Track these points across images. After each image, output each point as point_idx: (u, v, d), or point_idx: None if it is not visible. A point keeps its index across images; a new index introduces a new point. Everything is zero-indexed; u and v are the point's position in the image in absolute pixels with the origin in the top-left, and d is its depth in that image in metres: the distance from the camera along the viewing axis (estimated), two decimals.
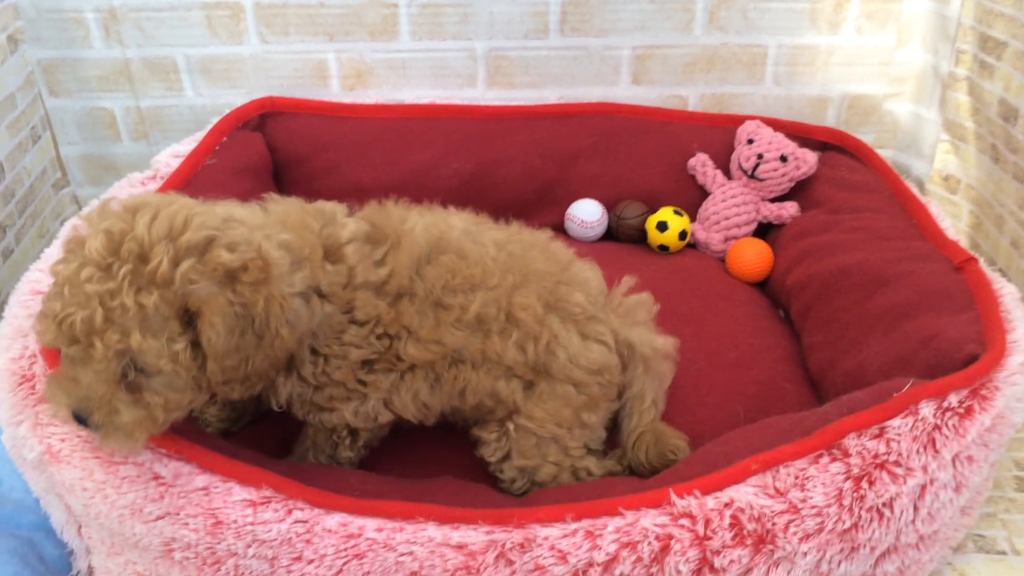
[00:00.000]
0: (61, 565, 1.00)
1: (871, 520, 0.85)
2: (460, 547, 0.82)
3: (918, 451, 0.87)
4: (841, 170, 1.51)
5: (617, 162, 1.59)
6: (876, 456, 0.86)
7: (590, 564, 0.81)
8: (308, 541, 0.83)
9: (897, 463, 0.86)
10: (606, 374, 1.04)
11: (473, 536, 0.83)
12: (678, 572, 0.82)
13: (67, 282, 0.73)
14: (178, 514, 0.84)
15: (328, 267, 0.89)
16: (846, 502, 0.85)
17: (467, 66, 1.64)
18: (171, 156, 1.36)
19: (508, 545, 0.82)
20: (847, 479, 0.85)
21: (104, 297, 0.72)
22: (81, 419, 0.78)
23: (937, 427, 0.88)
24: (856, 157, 1.53)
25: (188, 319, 0.76)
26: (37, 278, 1.06)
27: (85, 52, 1.58)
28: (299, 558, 0.84)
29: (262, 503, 0.84)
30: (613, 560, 0.81)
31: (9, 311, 1.03)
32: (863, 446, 0.87)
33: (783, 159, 1.50)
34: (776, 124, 1.58)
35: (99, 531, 0.93)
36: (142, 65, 1.61)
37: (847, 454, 0.87)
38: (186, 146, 1.39)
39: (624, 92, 1.67)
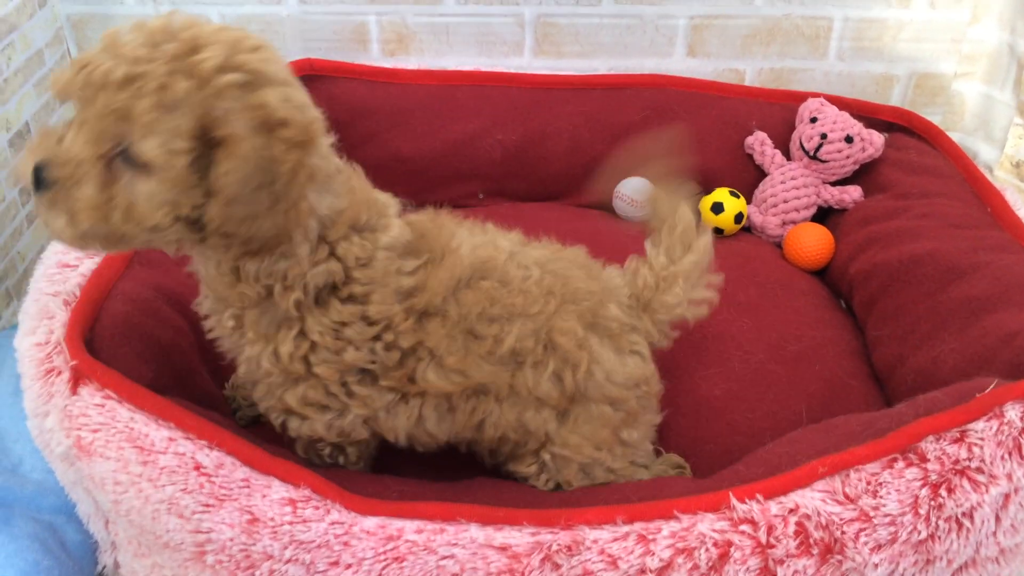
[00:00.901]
0: (84, 553, 0.95)
1: (949, 531, 0.79)
2: (503, 549, 0.77)
3: (1002, 457, 0.80)
4: (909, 153, 1.42)
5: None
6: (956, 462, 0.79)
7: (642, 571, 0.75)
8: (346, 544, 0.78)
9: (980, 470, 0.79)
10: (643, 386, 0.96)
11: (517, 537, 0.77)
12: None
13: (108, 40, 0.68)
14: (218, 508, 0.79)
15: (355, 238, 0.81)
16: (922, 511, 0.78)
17: (514, 33, 1.56)
18: None
19: (555, 547, 0.76)
20: (924, 486, 0.78)
21: (137, 61, 0.66)
22: (39, 180, 0.69)
23: None
24: (925, 140, 1.44)
25: (206, 141, 0.68)
26: (65, 248, 1.00)
27: (116, 8, 1.52)
28: (336, 563, 0.77)
29: (302, 501, 0.79)
30: (667, 567, 0.75)
31: (34, 285, 0.97)
32: (942, 450, 0.80)
33: (848, 140, 1.41)
34: (839, 102, 1.49)
35: (128, 529, 0.87)
36: None
37: (924, 459, 0.80)
38: None
39: (678, 64, 1.59)
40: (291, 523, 0.78)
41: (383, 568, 0.77)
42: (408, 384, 0.85)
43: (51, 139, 0.70)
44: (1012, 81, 1.53)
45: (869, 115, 1.49)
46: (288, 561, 0.78)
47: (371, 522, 0.78)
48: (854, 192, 1.42)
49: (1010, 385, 0.84)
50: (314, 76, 1.46)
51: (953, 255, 1.14)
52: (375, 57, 1.58)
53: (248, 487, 0.79)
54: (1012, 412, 0.81)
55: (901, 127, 1.49)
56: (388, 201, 0.89)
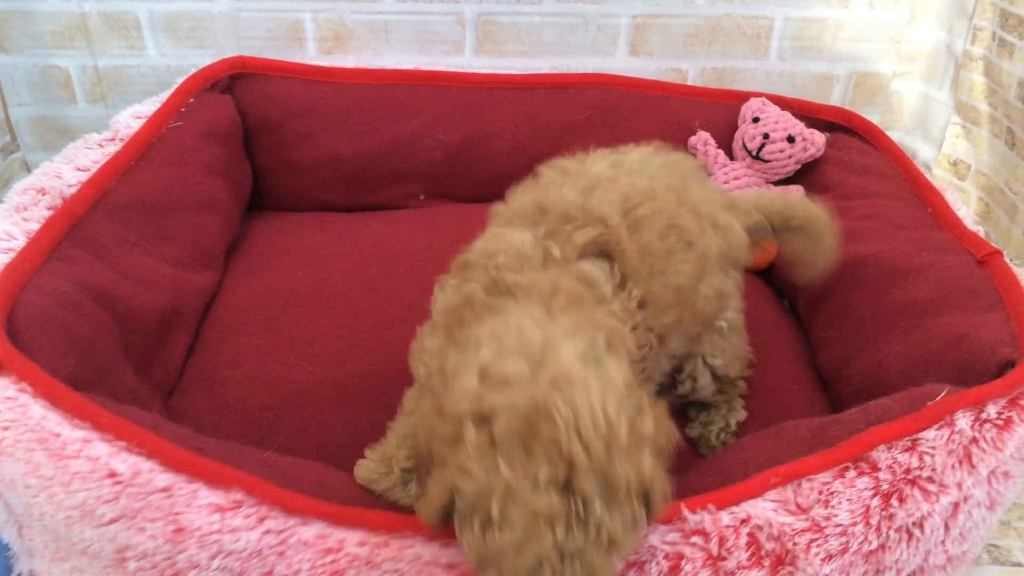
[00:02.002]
0: None
1: (900, 540, 0.78)
2: (450, 567, 0.73)
3: (953, 466, 0.80)
4: (850, 152, 1.42)
5: (613, 137, 1.48)
6: (908, 471, 0.79)
7: None
8: (281, 554, 0.74)
9: (931, 479, 0.79)
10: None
11: None
12: None
13: (529, 537, 0.59)
14: (134, 518, 0.74)
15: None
16: (873, 521, 0.77)
17: (454, 31, 1.53)
18: (132, 117, 1.24)
19: None
20: (875, 495, 0.78)
21: (579, 522, 0.60)
22: None
23: (974, 440, 0.81)
24: (865, 139, 1.45)
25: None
26: None
27: (38, 4, 1.45)
28: (270, 573, 0.74)
29: (231, 508, 0.74)
30: None
31: None
32: (894, 459, 0.79)
33: (790, 140, 1.41)
34: (781, 102, 1.49)
35: (43, 533, 0.82)
36: (101, 20, 1.47)
37: (876, 468, 0.79)
38: (149, 107, 1.27)
39: (621, 64, 1.57)
40: (219, 532, 0.73)
41: None
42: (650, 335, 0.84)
43: None
44: (949, 80, 1.54)
45: (810, 115, 1.49)
46: (217, 570, 0.74)
47: (310, 532, 0.74)
48: (796, 192, 1.42)
49: (961, 393, 0.83)
50: (246, 75, 1.41)
51: (896, 256, 1.14)
52: (311, 56, 1.53)
53: (170, 495, 0.74)
54: (963, 421, 0.81)
55: (842, 127, 1.49)
56: (592, 270, 0.81)
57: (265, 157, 1.43)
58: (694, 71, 1.60)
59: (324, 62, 1.50)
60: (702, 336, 1.00)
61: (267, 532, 0.74)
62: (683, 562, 0.74)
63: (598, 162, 0.94)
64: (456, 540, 0.70)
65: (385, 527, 0.75)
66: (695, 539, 0.75)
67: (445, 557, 0.74)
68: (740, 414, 1.07)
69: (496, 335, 0.68)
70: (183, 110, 1.28)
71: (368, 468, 0.88)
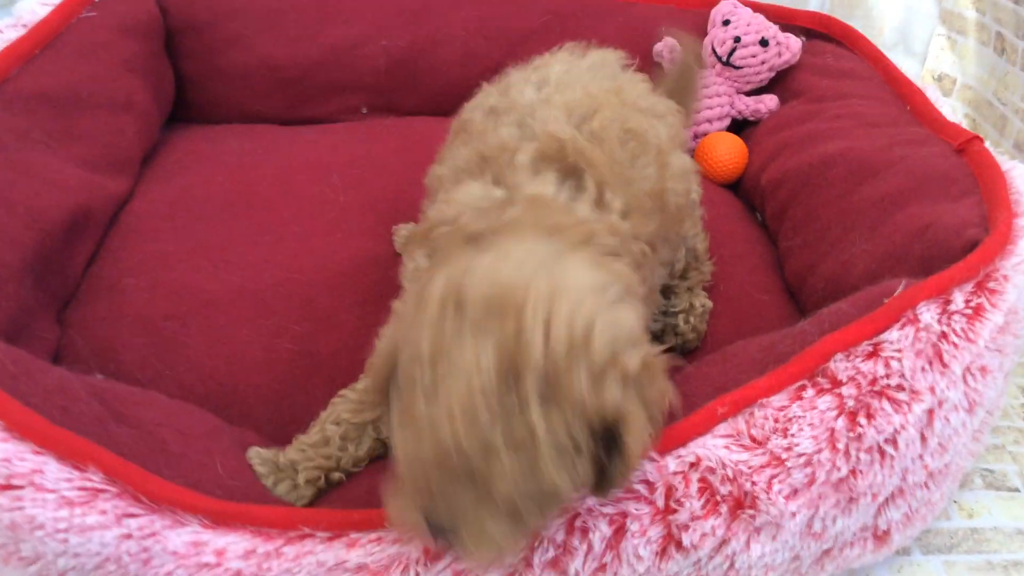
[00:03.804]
0: None
1: (872, 462, 0.69)
2: (360, 569, 0.63)
3: (923, 368, 0.70)
4: (826, 57, 1.32)
5: None
6: (873, 381, 0.69)
7: (528, 564, 0.64)
8: (146, 563, 0.61)
9: (900, 387, 0.69)
10: None
11: (376, 552, 0.63)
12: (639, 558, 0.65)
13: (461, 411, 0.54)
14: None
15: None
16: (840, 444, 0.68)
17: None
18: (39, 3, 1.12)
19: (414, 557, 0.63)
20: (840, 415, 0.68)
21: (504, 414, 0.54)
22: (439, 531, 0.59)
23: (943, 335, 0.72)
24: (843, 45, 1.34)
25: (604, 430, 0.58)
26: None
27: None
28: None
29: (82, 502, 0.61)
30: (564, 552, 0.64)
31: None
32: (855, 369, 0.70)
33: (763, 43, 1.30)
34: (754, 7, 1.38)
35: None
36: None
37: (836, 382, 0.70)
38: None
39: None
40: (66, 531, 0.60)
41: None
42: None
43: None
44: None
45: (785, 21, 1.39)
46: (66, 568, 0.62)
47: (179, 539, 0.62)
48: (770, 102, 1.32)
49: (920, 284, 0.74)
50: None
51: (867, 153, 1.04)
52: None
53: (8, 469, 0.60)
54: (927, 315, 0.72)
55: (819, 33, 1.38)
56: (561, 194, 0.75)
57: (191, 63, 1.32)
58: None
59: None
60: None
61: (127, 536, 0.61)
62: (628, 522, 0.65)
63: (523, 88, 0.86)
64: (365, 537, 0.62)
65: (278, 524, 0.63)
66: (638, 491, 0.65)
67: (354, 559, 0.63)
68: (704, 299, 1.00)
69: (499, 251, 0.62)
70: (96, 0, 1.17)
71: (263, 465, 0.77)
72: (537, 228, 0.67)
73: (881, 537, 0.79)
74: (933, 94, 1.15)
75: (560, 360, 0.55)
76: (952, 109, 1.40)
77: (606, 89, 0.84)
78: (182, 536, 0.62)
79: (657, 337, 0.95)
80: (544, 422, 0.54)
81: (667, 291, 0.99)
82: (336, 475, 0.78)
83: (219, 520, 0.63)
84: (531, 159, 0.75)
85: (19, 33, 1.06)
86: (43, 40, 1.06)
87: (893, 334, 0.71)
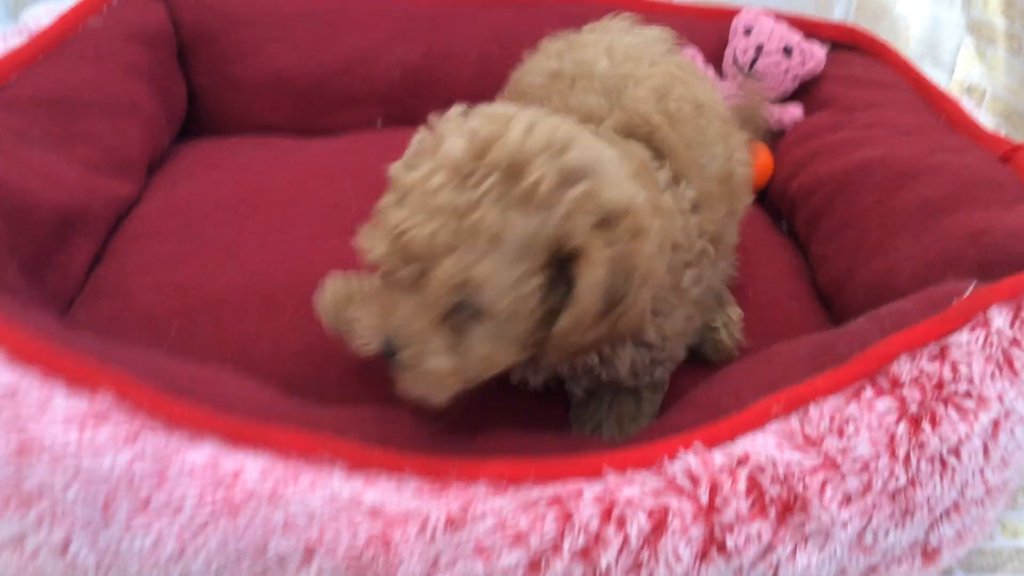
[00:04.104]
0: None
1: (932, 473, 0.64)
2: (374, 513, 0.59)
3: (992, 375, 0.65)
4: (853, 68, 1.29)
5: None
6: (939, 385, 0.64)
7: (556, 548, 0.58)
8: (159, 485, 0.58)
9: (967, 394, 0.64)
10: None
11: (394, 499, 0.59)
12: (677, 558, 0.59)
13: (413, 189, 0.59)
14: None
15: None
16: (900, 451, 0.62)
17: None
18: (45, 11, 1.10)
19: (435, 518, 0.58)
20: (901, 419, 0.63)
21: (460, 210, 0.58)
22: (390, 352, 0.63)
23: (1015, 341, 0.66)
24: (870, 56, 1.31)
25: (558, 262, 0.61)
26: None
27: None
28: (146, 505, 0.59)
29: (95, 421, 0.59)
30: (596, 542, 0.58)
31: None
32: (920, 371, 0.65)
33: (787, 51, 1.27)
34: (777, 17, 1.35)
35: None
36: None
37: (898, 384, 0.64)
38: (67, 3, 1.13)
39: None
40: (76, 452, 0.58)
41: (208, 518, 0.58)
42: (716, 242, 0.80)
43: (384, 302, 0.64)
44: None
45: (810, 31, 1.35)
46: (76, 501, 0.59)
47: (197, 456, 0.59)
48: (794, 111, 1.28)
49: (992, 286, 0.69)
50: None
51: (906, 159, 1.01)
52: None
53: (14, 398, 0.59)
54: (999, 319, 0.67)
55: (845, 45, 1.35)
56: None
57: (203, 75, 1.29)
58: None
59: None
60: None
61: (140, 456, 0.59)
62: (669, 517, 0.59)
63: (597, 57, 0.84)
64: (384, 478, 0.59)
65: (298, 448, 0.60)
66: (682, 483, 0.60)
67: (369, 499, 0.59)
68: (736, 308, 0.95)
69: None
70: (104, 9, 1.14)
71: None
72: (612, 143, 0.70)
73: (931, 555, 0.73)
74: (968, 104, 1.11)
75: (531, 155, 0.58)
76: (982, 119, 1.37)
77: (676, 64, 0.85)
78: (198, 454, 0.59)
79: (696, 353, 0.91)
80: (498, 217, 0.57)
81: None
82: None
83: (237, 439, 0.60)
84: (618, 128, 0.77)
85: (23, 40, 1.03)
86: (47, 47, 1.03)
87: (963, 336, 0.66)
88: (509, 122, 0.60)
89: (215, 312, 0.88)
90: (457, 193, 0.58)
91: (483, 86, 1.33)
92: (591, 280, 0.60)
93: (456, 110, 0.66)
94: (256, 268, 0.94)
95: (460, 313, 0.61)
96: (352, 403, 0.77)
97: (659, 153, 0.77)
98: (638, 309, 0.64)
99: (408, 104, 1.35)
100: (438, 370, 0.63)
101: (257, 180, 1.12)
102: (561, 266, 0.61)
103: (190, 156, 1.21)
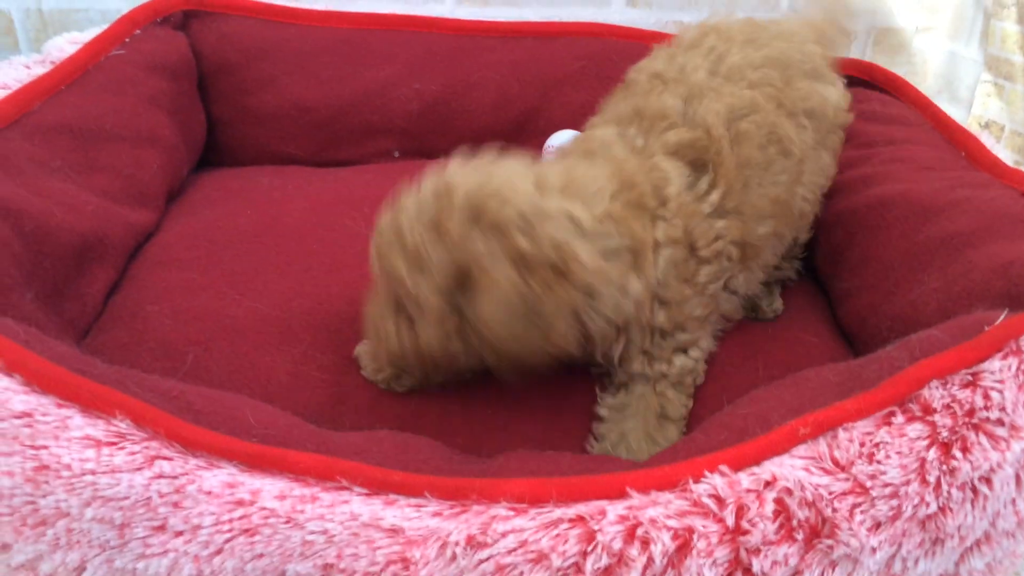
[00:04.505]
0: None
1: (964, 500, 0.63)
2: (394, 532, 0.58)
3: None
4: (871, 103, 1.28)
5: (608, 91, 1.34)
6: (971, 412, 0.63)
7: (579, 570, 0.58)
8: (176, 505, 0.59)
9: (999, 421, 0.63)
10: None
11: (414, 519, 0.59)
12: None
13: (399, 206, 0.79)
14: None
15: (662, 224, 0.82)
16: (931, 477, 0.61)
17: None
18: (69, 42, 1.11)
19: (455, 538, 0.58)
20: (932, 445, 0.62)
21: (404, 227, 0.76)
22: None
23: None
24: (888, 92, 1.31)
25: (465, 281, 0.74)
26: None
27: None
28: (162, 527, 0.59)
29: (111, 443, 0.59)
30: (619, 563, 0.58)
31: None
32: (952, 398, 0.64)
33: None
34: None
35: None
36: None
37: (930, 410, 0.64)
38: (89, 34, 1.14)
39: (616, 15, 1.46)
40: (93, 472, 0.58)
41: (226, 540, 0.58)
42: (748, 250, 0.88)
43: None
44: (978, 33, 1.41)
45: None
46: (92, 520, 0.59)
47: (215, 479, 0.59)
48: None
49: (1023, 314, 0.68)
50: (203, 13, 1.29)
51: (927, 195, 0.99)
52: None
53: (30, 423, 0.59)
54: None
55: (862, 80, 1.35)
56: (665, 164, 0.85)
57: (222, 106, 1.30)
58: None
59: (290, 5, 1.37)
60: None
61: (158, 476, 0.59)
62: (694, 538, 0.58)
63: (698, 66, 0.93)
64: (404, 500, 0.60)
65: (315, 473, 0.60)
66: (707, 503, 0.60)
67: (388, 520, 0.58)
68: (779, 303, 1.04)
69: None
70: (127, 40, 1.15)
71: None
72: (607, 162, 0.83)
73: None
74: (988, 140, 1.11)
75: (456, 207, 0.73)
76: (1002, 156, 1.36)
77: (768, 93, 0.90)
78: (217, 477, 0.59)
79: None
80: (421, 242, 0.74)
81: None
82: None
83: (255, 464, 0.60)
84: (677, 143, 0.85)
85: (45, 69, 1.04)
86: (69, 76, 1.04)
87: (995, 363, 0.65)
88: (475, 173, 0.76)
89: (232, 341, 0.87)
90: (409, 215, 0.76)
91: (501, 119, 1.34)
92: (481, 303, 0.73)
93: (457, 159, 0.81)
94: (273, 298, 0.94)
95: (405, 309, 0.78)
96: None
97: (707, 165, 0.85)
98: (566, 338, 0.75)
99: (426, 136, 1.35)
100: (387, 346, 0.80)
101: (275, 210, 1.11)
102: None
103: (208, 185, 1.21)
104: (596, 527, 0.58)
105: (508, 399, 0.85)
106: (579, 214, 0.75)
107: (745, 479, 0.61)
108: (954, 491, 0.62)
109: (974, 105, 1.42)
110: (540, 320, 0.74)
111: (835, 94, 1.01)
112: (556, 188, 0.77)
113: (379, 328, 0.81)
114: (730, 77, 0.92)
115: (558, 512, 0.59)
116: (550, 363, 0.79)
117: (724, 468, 0.62)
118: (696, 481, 0.61)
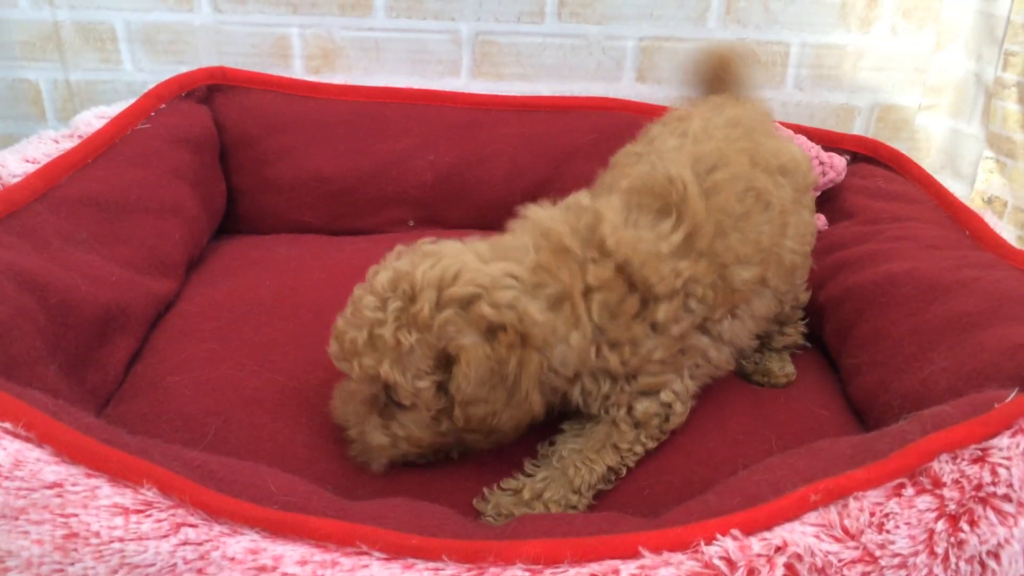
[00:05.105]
0: None
1: (971, 573, 0.63)
2: None
3: None
4: (876, 180, 1.31)
5: None
6: (979, 487, 0.64)
7: None
8: (201, 572, 0.59)
9: (1007, 497, 0.64)
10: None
11: None
12: None
13: (352, 305, 0.81)
14: (16, 519, 0.60)
15: (591, 268, 0.83)
16: (939, 549, 0.62)
17: (450, 51, 1.45)
18: (96, 116, 1.14)
19: None
20: (940, 517, 0.63)
21: (373, 325, 0.78)
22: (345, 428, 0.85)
23: None
24: (892, 169, 1.34)
25: (446, 362, 0.78)
26: None
27: (8, 12, 1.38)
28: None
29: (138, 511, 0.60)
30: None
31: None
32: (960, 472, 0.65)
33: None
34: (798, 130, 1.38)
35: None
36: (74, 30, 1.40)
37: (939, 483, 0.64)
38: (116, 109, 1.17)
39: (627, 90, 1.48)
40: (121, 540, 0.59)
41: None
42: (730, 295, 0.89)
43: (348, 392, 0.85)
44: (980, 112, 1.44)
45: (830, 144, 1.38)
46: None
47: (238, 545, 0.60)
48: (817, 221, 1.30)
49: None
50: (226, 87, 1.32)
51: (934, 273, 1.01)
52: (298, 74, 1.45)
53: (61, 492, 0.60)
54: None
55: (865, 157, 1.38)
56: (590, 206, 0.88)
57: (242, 176, 1.33)
58: None
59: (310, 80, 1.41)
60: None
61: (184, 543, 0.60)
62: None
63: (667, 139, 0.98)
64: (422, 564, 0.61)
65: (335, 539, 0.61)
66: (717, 567, 0.60)
67: None
68: (790, 367, 1.06)
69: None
70: (152, 114, 1.18)
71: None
72: (528, 225, 0.86)
73: None
74: (991, 219, 1.13)
75: (422, 288, 0.76)
76: (1005, 234, 1.38)
77: (739, 149, 0.93)
78: (240, 543, 0.60)
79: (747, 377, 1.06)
80: (393, 333, 0.76)
81: (761, 346, 1.05)
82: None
83: (276, 530, 0.61)
84: (629, 188, 0.89)
85: (74, 143, 1.07)
86: (96, 150, 1.08)
87: (1003, 440, 0.66)
88: (423, 259, 0.80)
89: (251, 412, 0.88)
90: (373, 312, 0.78)
91: (513, 190, 1.37)
92: (460, 379, 0.76)
93: (403, 249, 0.86)
94: (292, 368, 0.95)
95: (388, 403, 0.81)
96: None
97: (671, 210, 0.86)
98: (533, 403, 0.79)
99: (440, 206, 1.38)
100: (374, 443, 0.82)
101: (293, 280, 1.13)
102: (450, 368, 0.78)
103: (228, 254, 1.23)
104: None
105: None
106: (515, 271, 0.79)
107: (756, 543, 0.61)
108: (962, 564, 0.62)
109: (977, 181, 1.45)
110: (511, 385, 0.77)
111: (799, 152, 1.03)
112: (489, 257, 0.81)
113: (360, 427, 0.83)
114: (697, 139, 0.95)
115: (572, 572, 0.60)
116: (524, 426, 0.83)
117: (736, 532, 0.62)
118: (708, 543, 0.61)
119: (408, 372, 0.77)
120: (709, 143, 0.94)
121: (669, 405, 0.88)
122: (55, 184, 0.99)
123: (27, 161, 1.01)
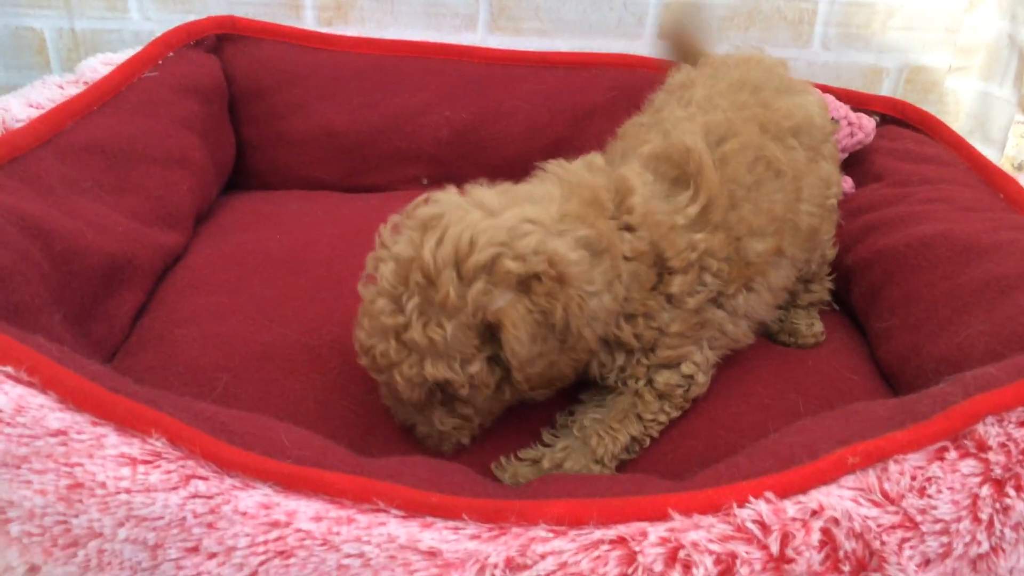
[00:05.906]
0: None
1: (1017, 541, 0.60)
2: (431, 554, 0.57)
3: None
4: (905, 142, 1.27)
5: None
6: None
7: None
8: (211, 526, 0.57)
9: None
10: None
11: (452, 541, 0.57)
12: None
13: (366, 314, 0.75)
14: (18, 467, 0.57)
15: (627, 236, 0.80)
16: (983, 515, 0.59)
17: (467, 4, 1.42)
18: (102, 63, 1.11)
19: (494, 560, 0.56)
20: (985, 482, 0.60)
21: (397, 330, 0.72)
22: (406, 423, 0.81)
23: None
24: (921, 131, 1.29)
25: (490, 334, 0.73)
26: None
27: None
28: (195, 548, 0.57)
29: (146, 461, 0.58)
30: None
31: None
32: (1007, 435, 0.62)
33: (834, 123, 1.25)
34: (825, 90, 1.34)
35: None
36: None
37: (984, 447, 0.62)
38: (122, 56, 1.13)
39: (647, 47, 1.45)
40: (128, 491, 0.56)
41: (261, 563, 0.56)
42: (745, 268, 0.86)
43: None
44: (1012, 75, 1.40)
45: (858, 105, 1.34)
46: (125, 541, 0.57)
47: (250, 500, 0.58)
48: (844, 183, 1.26)
49: None
50: (236, 37, 1.28)
51: (970, 235, 0.98)
52: (309, 26, 1.41)
53: (65, 441, 0.57)
54: None
55: (894, 119, 1.34)
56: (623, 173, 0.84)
57: (252, 129, 1.29)
58: None
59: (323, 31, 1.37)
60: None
61: (194, 495, 0.57)
62: (737, 563, 0.57)
63: (673, 109, 0.95)
64: (441, 522, 0.59)
65: (351, 494, 0.59)
66: (751, 532, 0.58)
67: (426, 541, 0.57)
68: (819, 325, 1.04)
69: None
70: (160, 62, 1.15)
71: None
72: (551, 176, 0.82)
73: None
74: None
75: (439, 270, 0.70)
76: None
77: (747, 116, 0.90)
78: (252, 498, 0.58)
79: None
80: (423, 332, 0.70)
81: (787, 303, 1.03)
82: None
83: (290, 485, 0.59)
84: (649, 154, 0.85)
85: (79, 90, 1.04)
86: (102, 97, 1.04)
87: None
88: (425, 236, 0.73)
89: (260, 366, 0.86)
90: (393, 317, 0.72)
91: (530, 148, 1.33)
92: (513, 345, 0.71)
93: (391, 221, 0.81)
94: (302, 323, 0.93)
95: (439, 394, 0.76)
96: None
97: (688, 180, 0.84)
98: (587, 339, 0.75)
99: (454, 164, 1.34)
100: (449, 430, 0.79)
101: (304, 236, 1.10)
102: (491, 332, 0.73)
103: (238, 209, 1.20)
104: (637, 548, 0.57)
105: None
106: (532, 214, 0.74)
107: (791, 507, 0.59)
108: (1007, 531, 0.60)
109: (1007, 146, 1.41)
110: (561, 331, 0.73)
111: (814, 103, 1.00)
112: (499, 206, 0.75)
113: (427, 423, 0.79)
114: (702, 107, 0.93)
115: (598, 533, 0.58)
116: (583, 365, 0.80)
117: (769, 495, 0.60)
118: (740, 506, 0.59)
119: (455, 363, 0.72)
120: (716, 113, 0.91)
121: (691, 376, 0.86)
122: (60, 130, 0.96)
123: (31, 106, 0.98)
